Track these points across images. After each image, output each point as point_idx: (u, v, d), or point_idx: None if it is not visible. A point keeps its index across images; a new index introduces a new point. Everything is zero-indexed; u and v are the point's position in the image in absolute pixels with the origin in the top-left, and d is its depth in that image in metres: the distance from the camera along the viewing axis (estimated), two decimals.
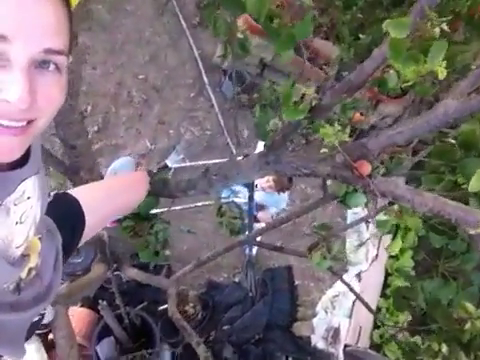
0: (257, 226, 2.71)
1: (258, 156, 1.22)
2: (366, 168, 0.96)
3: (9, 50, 0.49)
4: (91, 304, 2.91)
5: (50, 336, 2.22)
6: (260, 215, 2.62)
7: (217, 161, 3.42)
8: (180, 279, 2.15)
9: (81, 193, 1.00)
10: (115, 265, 2.02)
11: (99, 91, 3.54)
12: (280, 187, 2.62)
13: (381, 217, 1.23)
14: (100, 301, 2.43)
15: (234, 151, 3.57)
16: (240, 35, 1.32)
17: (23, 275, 0.68)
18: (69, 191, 1.00)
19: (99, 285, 2.22)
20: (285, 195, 2.78)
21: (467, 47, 1.10)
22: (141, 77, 3.71)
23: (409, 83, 0.99)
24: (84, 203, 0.97)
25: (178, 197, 1.48)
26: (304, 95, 0.86)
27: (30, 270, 0.70)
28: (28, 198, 0.64)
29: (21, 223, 0.63)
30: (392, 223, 0.99)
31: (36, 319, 0.83)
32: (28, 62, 0.50)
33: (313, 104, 0.86)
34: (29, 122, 0.54)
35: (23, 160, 0.60)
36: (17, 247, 0.64)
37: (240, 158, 1.34)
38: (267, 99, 1.40)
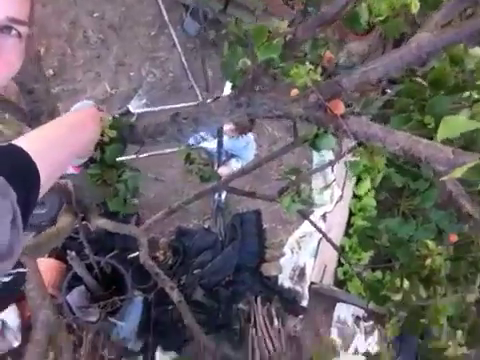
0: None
1: (229, 98, 1.17)
2: (340, 107, 0.94)
3: None
4: (59, 254, 2.89)
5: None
6: (220, 170, 2.54)
7: (182, 105, 3.33)
8: (150, 227, 2.14)
9: (27, 141, 0.91)
10: (82, 215, 1.98)
11: (52, 31, 3.29)
12: (241, 129, 2.55)
13: (350, 159, 1.24)
14: (68, 251, 2.41)
15: (199, 94, 3.46)
16: None
17: None
18: (13, 141, 0.92)
19: (67, 235, 2.18)
20: (252, 144, 2.73)
21: None
22: (96, 15, 3.46)
23: (382, 18, 0.96)
24: (32, 151, 0.88)
25: (146, 143, 1.43)
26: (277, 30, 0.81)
27: None
28: None
29: None
30: (363, 164, 0.99)
31: (7, 279, 0.79)
32: None
33: (287, 39, 0.82)
34: None
35: None
36: None
37: (210, 101, 1.29)
38: (235, 36, 1.33)
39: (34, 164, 0.89)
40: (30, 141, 0.93)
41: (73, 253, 2.40)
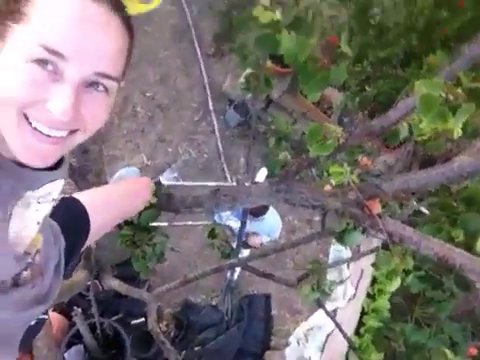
0: (244, 252, 2.75)
1: (269, 184, 1.27)
2: (376, 208, 1.02)
3: (64, 67, 0.52)
4: (63, 309, 2.86)
5: None
6: (251, 239, 2.65)
7: (211, 184, 3.47)
8: (161, 294, 2.14)
9: (86, 197, 1.00)
10: (96, 273, 2.00)
11: None
12: (251, 210, 2.61)
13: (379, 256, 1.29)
14: (75, 308, 2.39)
15: (229, 177, 3.63)
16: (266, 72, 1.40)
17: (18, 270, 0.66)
18: (74, 195, 0.99)
19: (79, 291, 2.19)
20: (279, 224, 2.81)
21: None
22: (148, 95, 3.80)
23: (424, 137, 1.08)
24: (90, 206, 0.97)
25: (181, 212, 1.51)
26: (331, 133, 0.93)
27: (27, 265, 0.68)
28: (53, 200, 0.64)
29: (39, 224, 0.63)
30: (395, 263, 1.05)
31: (33, 323, 0.79)
32: (79, 81, 0.53)
33: (340, 142, 0.93)
34: (70, 132, 0.57)
35: (57, 163, 0.62)
36: (25, 244, 0.64)
37: (249, 184, 1.40)
38: (283, 133, 1.47)
39: (87, 217, 0.97)
40: (90, 197, 1.02)
41: (79, 310, 2.39)
